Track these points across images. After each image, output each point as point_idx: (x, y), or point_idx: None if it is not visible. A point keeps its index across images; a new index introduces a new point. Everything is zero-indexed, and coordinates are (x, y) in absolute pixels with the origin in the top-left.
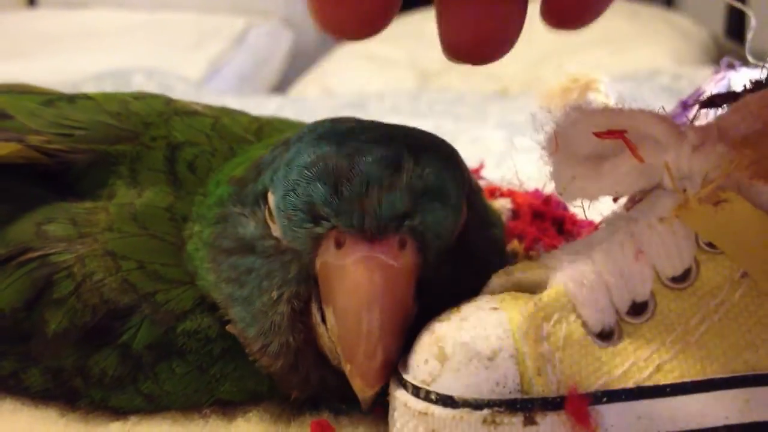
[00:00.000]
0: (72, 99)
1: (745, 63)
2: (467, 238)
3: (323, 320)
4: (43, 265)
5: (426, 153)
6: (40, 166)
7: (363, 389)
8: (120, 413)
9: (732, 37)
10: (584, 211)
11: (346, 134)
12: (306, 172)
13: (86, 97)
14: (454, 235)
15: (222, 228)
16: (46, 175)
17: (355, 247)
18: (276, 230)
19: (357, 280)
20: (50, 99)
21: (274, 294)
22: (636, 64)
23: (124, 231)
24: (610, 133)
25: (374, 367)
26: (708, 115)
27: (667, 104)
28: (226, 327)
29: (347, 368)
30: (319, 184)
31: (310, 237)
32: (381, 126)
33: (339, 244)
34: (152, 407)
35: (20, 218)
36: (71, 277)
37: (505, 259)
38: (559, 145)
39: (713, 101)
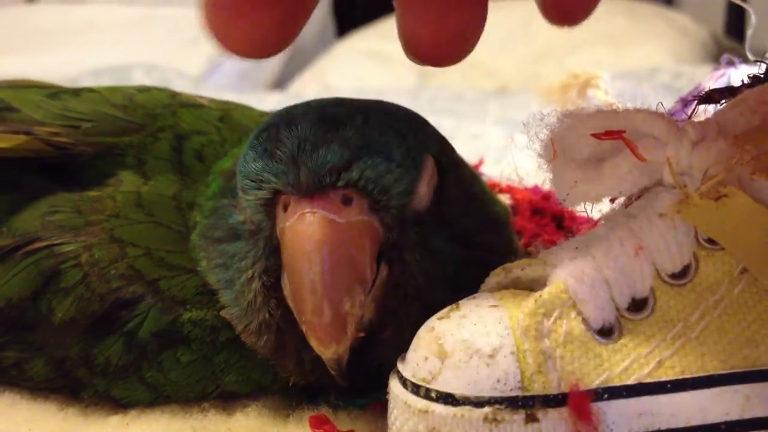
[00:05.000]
0: (77, 92)
1: (745, 60)
2: (447, 209)
3: None
4: (51, 255)
5: (372, 113)
6: (45, 158)
7: (319, 348)
8: (120, 407)
9: (732, 36)
10: (588, 213)
11: (298, 107)
12: (251, 143)
13: (91, 90)
14: (414, 197)
15: (213, 220)
16: (51, 167)
17: (297, 206)
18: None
19: (298, 236)
20: (55, 92)
21: (249, 272)
22: (636, 62)
23: (130, 218)
24: (609, 134)
25: (324, 323)
26: (707, 111)
27: (666, 102)
28: (221, 312)
29: (304, 330)
30: (259, 152)
31: (262, 205)
32: (339, 99)
33: (285, 207)
34: (155, 397)
35: (26, 209)
36: (78, 266)
37: (513, 247)
38: (556, 152)
39: (711, 97)
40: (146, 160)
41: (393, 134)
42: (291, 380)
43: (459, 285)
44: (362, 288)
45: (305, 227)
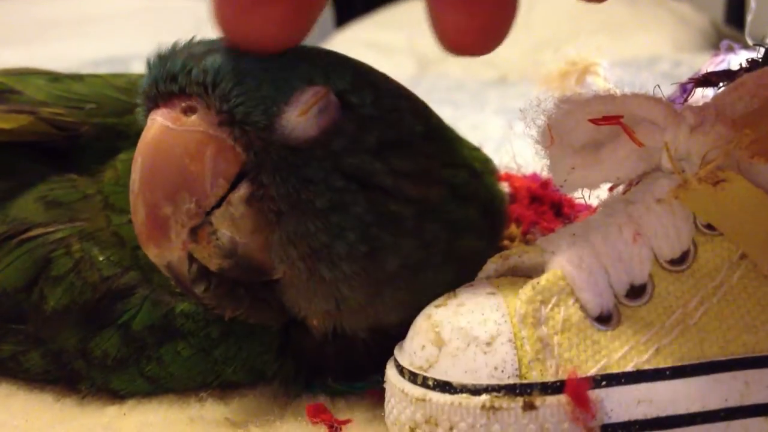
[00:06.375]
0: (79, 77)
1: (745, 47)
2: (341, 145)
3: None
4: (44, 243)
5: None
6: (45, 143)
7: (143, 248)
8: (117, 397)
9: (731, 24)
10: (586, 199)
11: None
12: None
13: (93, 75)
14: (278, 122)
15: None
16: (51, 151)
17: (150, 115)
18: None
19: (139, 141)
20: (57, 77)
21: None
22: (636, 50)
23: (126, 185)
24: (606, 119)
25: (138, 221)
26: (705, 96)
27: (666, 91)
28: None
29: None
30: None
31: (144, 116)
32: None
33: None
34: (154, 389)
35: (21, 195)
36: (69, 255)
37: (456, 215)
38: (554, 138)
39: (709, 80)
40: None
41: (259, 58)
42: (226, 314)
43: (346, 224)
44: (194, 197)
45: (143, 132)
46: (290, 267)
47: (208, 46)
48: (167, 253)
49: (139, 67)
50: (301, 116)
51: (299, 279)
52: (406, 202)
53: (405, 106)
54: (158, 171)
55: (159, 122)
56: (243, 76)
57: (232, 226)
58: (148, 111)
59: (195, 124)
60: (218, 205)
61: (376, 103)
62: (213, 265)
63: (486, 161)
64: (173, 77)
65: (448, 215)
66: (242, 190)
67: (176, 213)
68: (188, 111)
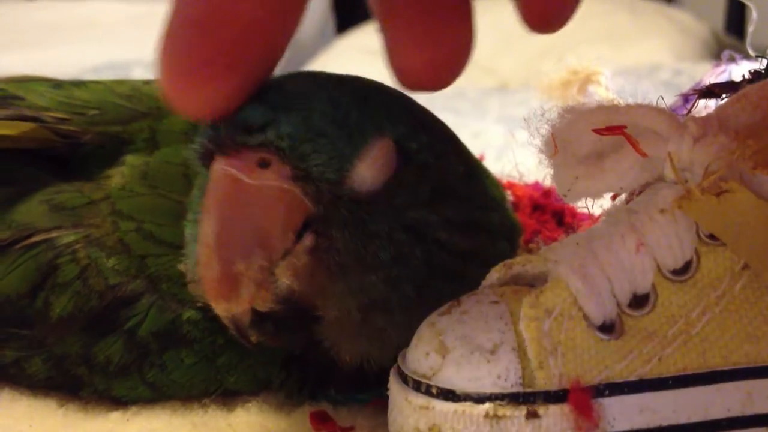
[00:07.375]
0: (82, 83)
1: (746, 57)
2: (401, 199)
3: None
4: (49, 248)
5: (324, 87)
6: (48, 150)
7: (211, 303)
8: (120, 403)
9: (732, 33)
10: (589, 209)
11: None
12: None
13: (95, 82)
14: (349, 176)
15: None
16: (53, 158)
17: (216, 163)
18: None
19: (208, 192)
20: (59, 83)
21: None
22: (636, 59)
23: (134, 191)
24: (610, 130)
25: (210, 277)
26: (707, 107)
27: (667, 99)
28: (179, 266)
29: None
30: None
31: (199, 159)
32: (310, 72)
33: None
34: (156, 396)
35: (25, 200)
36: (75, 261)
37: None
38: (558, 147)
39: (712, 91)
40: (159, 132)
41: (331, 108)
42: (253, 339)
43: (404, 276)
44: (265, 253)
45: (214, 183)
46: (344, 314)
47: (281, 92)
48: (235, 307)
49: (140, 73)
50: (371, 172)
51: (349, 324)
52: (456, 254)
53: (450, 148)
54: (235, 227)
55: (232, 174)
56: (320, 135)
57: (292, 276)
58: (209, 153)
59: (270, 177)
60: (282, 256)
61: (429, 147)
62: (263, 308)
63: (497, 185)
64: (249, 130)
65: (485, 257)
66: (307, 241)
67: (249, 270)
68: (263, 164)
